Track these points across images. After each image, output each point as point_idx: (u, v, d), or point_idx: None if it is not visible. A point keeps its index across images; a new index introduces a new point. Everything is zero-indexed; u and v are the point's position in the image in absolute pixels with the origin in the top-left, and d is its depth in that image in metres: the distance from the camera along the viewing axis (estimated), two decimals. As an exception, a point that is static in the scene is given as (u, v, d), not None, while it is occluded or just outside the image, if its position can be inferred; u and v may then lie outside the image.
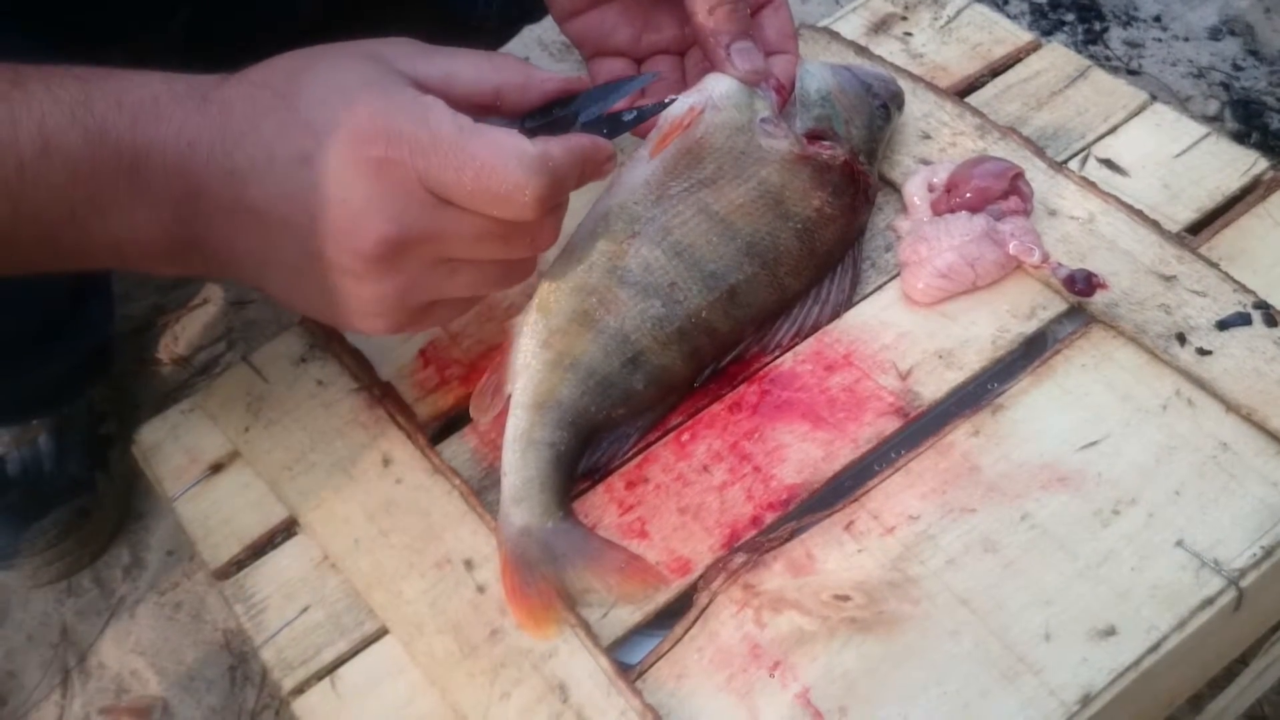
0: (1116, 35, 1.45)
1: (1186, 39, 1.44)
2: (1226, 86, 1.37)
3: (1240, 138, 1.24)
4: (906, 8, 0.93)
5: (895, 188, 0.80)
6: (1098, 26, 1.46)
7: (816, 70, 0.76)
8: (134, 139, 0.53)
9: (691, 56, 0.77)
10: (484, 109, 0.59)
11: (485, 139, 0.53)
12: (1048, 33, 1.44)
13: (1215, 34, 1.43)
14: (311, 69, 0.55)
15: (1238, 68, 1.40)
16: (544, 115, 0.61)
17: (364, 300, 0.57)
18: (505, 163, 0.53)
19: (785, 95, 0.73)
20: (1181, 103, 1.35)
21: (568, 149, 0.57)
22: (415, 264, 0.56)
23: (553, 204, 0.56)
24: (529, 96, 0.60)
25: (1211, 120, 1.31)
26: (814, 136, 0.73)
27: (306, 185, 0.53)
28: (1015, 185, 0.74)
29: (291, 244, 0.55)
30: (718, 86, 0.72)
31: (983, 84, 0.87)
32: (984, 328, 0.72)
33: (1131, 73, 1.40)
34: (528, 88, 0.60)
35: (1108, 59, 1.42)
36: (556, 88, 0.61)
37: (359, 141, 0.52)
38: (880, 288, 0.76)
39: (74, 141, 0.52)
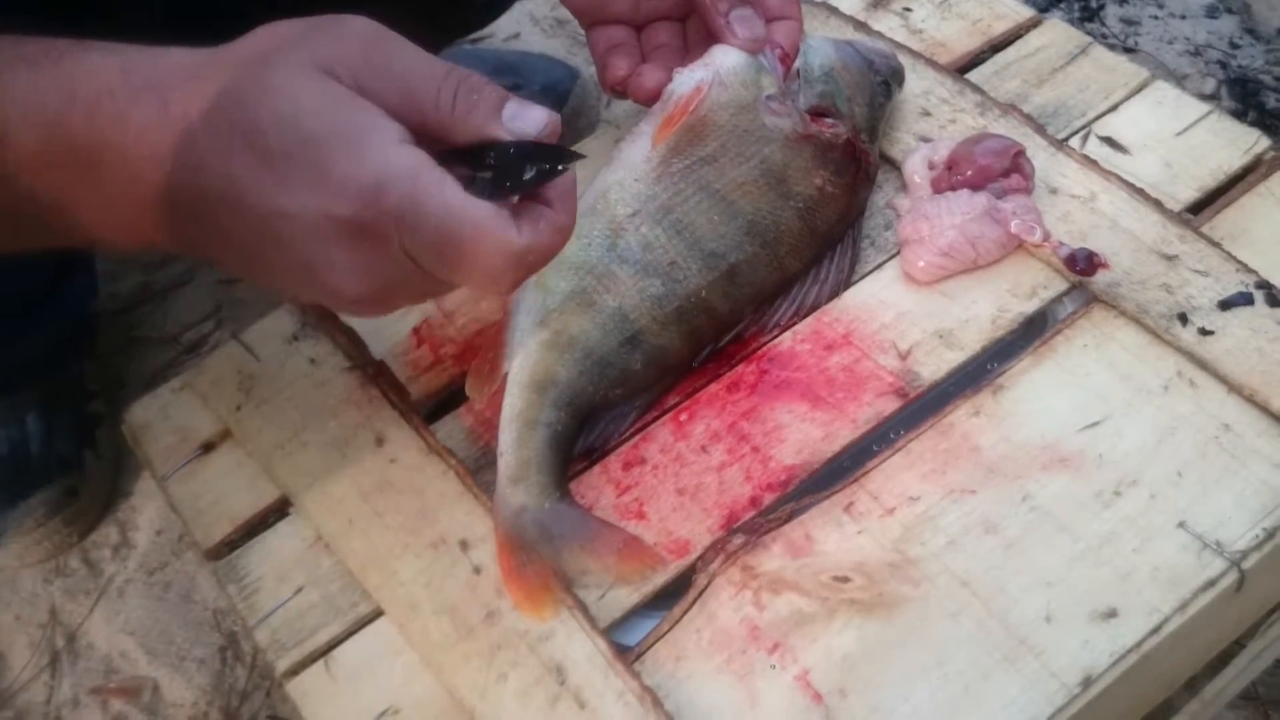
0: (1113, 12, 1.44)
1: (1183, 17, 1.43)
2: (1223, 65, 1.37)
3: (1237, 116, 1.23)
4: (906, -17, 0.92)
5: (895, 165, 0.79)
6: (1094, 3, 1.45)
7: (820, 45, 0.75)
8: (90, 138, 0.50)
9: (693, 22, 0.76)
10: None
11: (472, 226, 0.50)
12: (1044, 9, 1.43)
13: (1212, 12, 1.43)
14: (266, 99, 0.50)
15: (1234, 46, 1.39)
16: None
17: (351, 309, 0.57)
18: (490, 259, 0.51)
19: (789, 63, 0.72)
20: (1178, 81, 1.34)
21: (557, 230, 0.54)
22: (397, 296, 0.56)
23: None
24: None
25: (1208, 99, 1.30)
26: (817, 114, 0.73)
27: (285, 238, 0.51)
28: (1017, 163, 0.74)
29: (270, 265, 0.54)
30: (725, 60, 0.70)
31: (983, 60, 0.87)
32: (984, 307, 0.72)
33: (1128, 50, 1.39)
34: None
35: (1104, 36, 1.41)
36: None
37: (341, 206, 0.50)
38: (880, 266, 0.75)
39: (27, 134, 0.50)
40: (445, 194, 0.50)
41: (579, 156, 0.53)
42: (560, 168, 0.52)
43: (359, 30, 0.52)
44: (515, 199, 0.53)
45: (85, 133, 0.50)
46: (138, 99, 0.51)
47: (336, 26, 0.52)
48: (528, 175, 0.52)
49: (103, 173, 0.51)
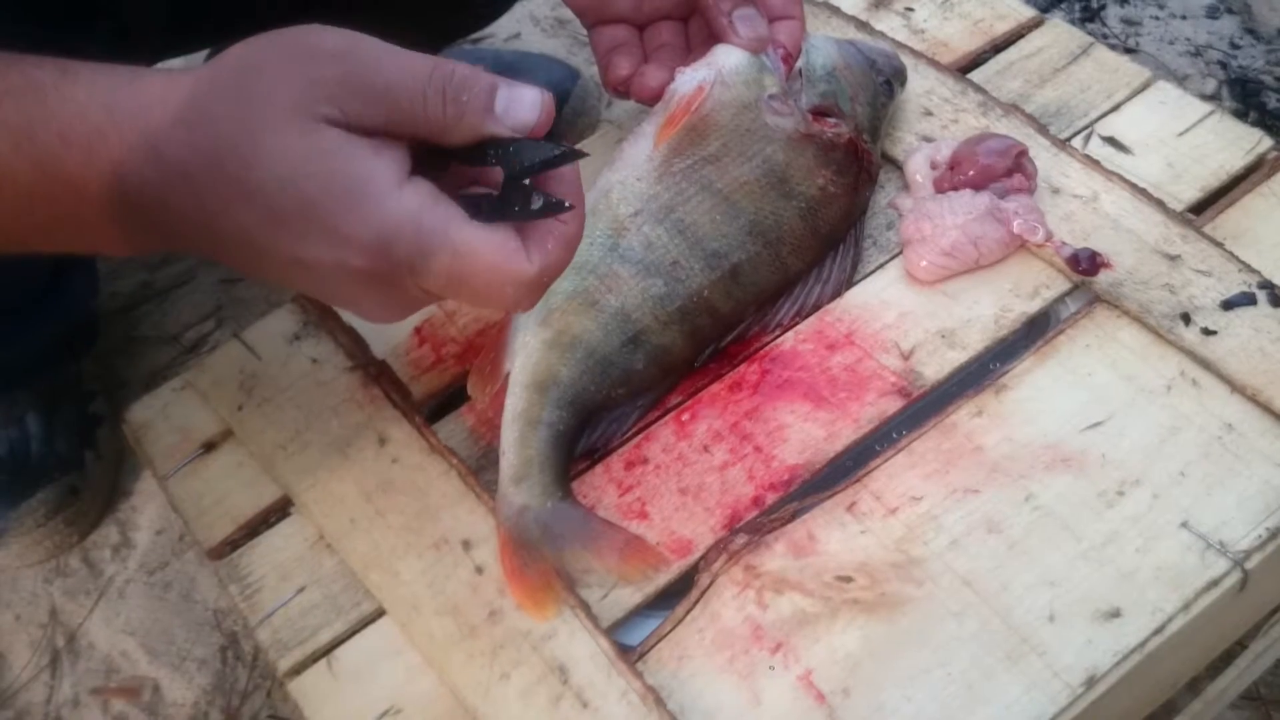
0: (1114, 13, 1.44)
1: (1184, 17, 1.43)
2: (1224, 65, 1.37)
3: (1238, 117, 1.23)
4: (907, -17, 0.92)
5: (897, 165, 0.79)
6: (1095, 4, 1.45)
7: (822, 45, 0.75)
8: (87, 179, 0.50)
9: (695, 22, 0.76)
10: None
11: (483, 264, 0.50)
12: (1045, 9, 1.43)
13: (1212, 12, 1.43)
14: (260, 162, 0.49)
15: (1235, 46, 1.39)
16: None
17: (375, 322, 0.58)
18: (504, 289, 0.52)
19: (790, 63, 0.72)
20: (1179, 81, 1.34)
21: (567, 242, 0.54)
22: (420, 310, 0.57)
23: None
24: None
25: (1209, 99, 1.30)
26: (819, 113, 0.72)
27: (306, 277, 0.52)
28: (1019, 163, 0.74)
29: (293, 286, 0.55)
30: (728, 60, 0.70)
31: (985, 60, 0.87)
32: (987, 307, 0.72)
33: (1129, 51, 1.39)
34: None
35: (1105, 37, 1.41)
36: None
37: (354, 260, 0.50)
38: (882, 266, 0.75)
39: (23, 172, 0.50)
40: (451, 233, 0.50)
41: (581, 154, 0.53)
42: (568, 204, 0.52)
43: (331, 50, 0.50)
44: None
45: (83, 173, 0.50)
46: (130, 147, 0.50)
47: (308, 55, 0.50)
48: (536, 206, 0.51)
49: (109, 208, 0.51)
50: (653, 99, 0.72)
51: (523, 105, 0.51)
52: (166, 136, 0.50)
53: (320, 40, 0.51)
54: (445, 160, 0.52)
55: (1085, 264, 0.71)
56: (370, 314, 0.55)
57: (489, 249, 0.50)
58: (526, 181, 0.51)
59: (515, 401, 0.66)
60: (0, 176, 0.50)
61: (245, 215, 0.50)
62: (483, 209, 0.51)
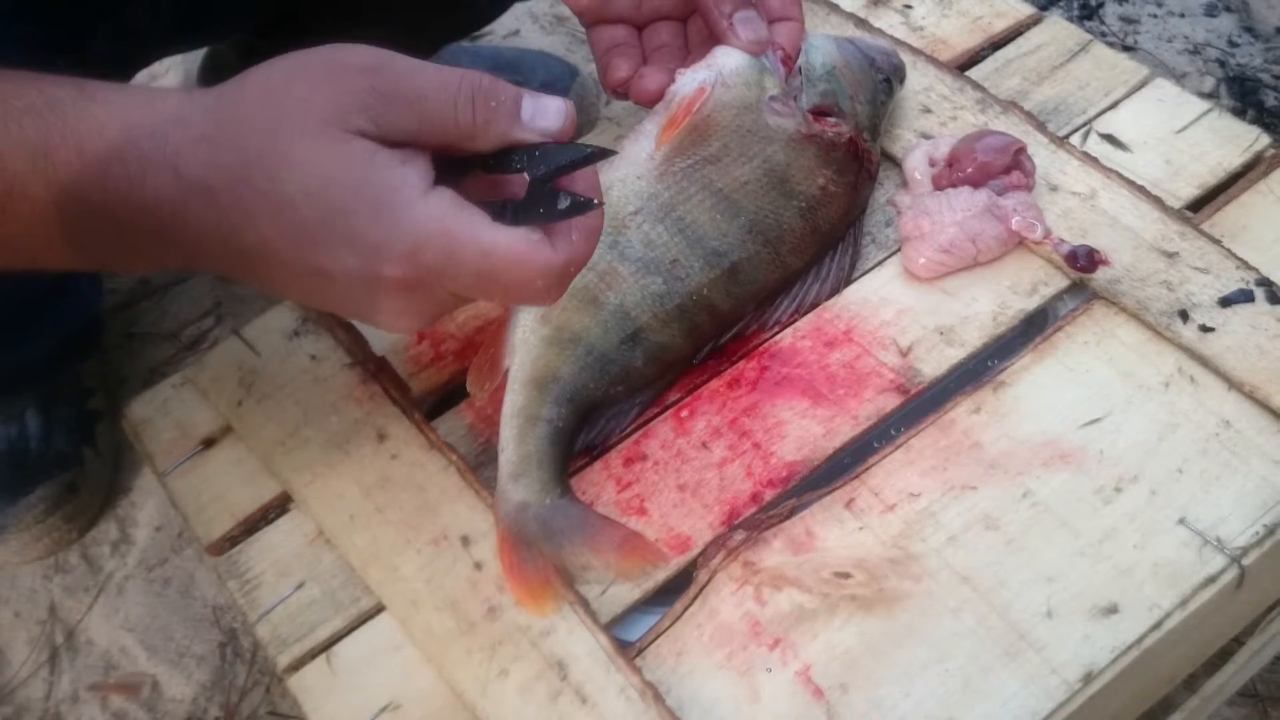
0: (1112, 10, 1.44)
1: (1182, 15, 1.43)
2: (1222, 63, 1.37)
3: (1236, 115, 1.23)
4: (906, -20, 0.92)
5: (895, 162, 0.79)
6: (1093, 1, 1.45)
7: (821, 44, 0.75)
8: (105, 198, 0.51)
9: (694, 22, 0.76)
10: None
11: (511, 261, 0.51)
12: (1043, 7, 1.43)
13: (1211, 10, 1.43)
14: (290, 174, 0.50)
15: (1233, 44, 1.39)
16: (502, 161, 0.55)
17: (396, 333, 0.59)
18: (533, 283, 0.53)
19: (790, 64, 0.72)
20: (1177, 79, 1.34)
21: (590, 234, 0.55)
22: (442, 316, 0.58)
23: None
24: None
25: (1207, 97, 1.30)
26: (819, 113, 0.72)
27: (330, 289, 0.53)
28: (1017, 160, 0.74)
29: (313, 301, 0.56)
30: (728, 61, 0.70)
31: (983, 58, 0.87)
32: (985, 304, 0.72)
33: (1127, 49, 1.39)
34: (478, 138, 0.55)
35: (1103, 35, 1.41)
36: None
37: (383, 269, 0.51)
38: (880, 263, 0.75)
39: (38, 190, 0.50)
40: (478, 236, 0.51)
41: (610, 152, 0.54)
42: (596, 201, 0.53)
43: (360, 65, 0.51)
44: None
45: (100, 194, 0.51)
46: (147, 165, 0.50)
47: (338, 70, 0.51)
48: (562, 206, 0.52)
49: (122, 227, 0.51)
50: (651, 102, 0.72)
51: (548, 113, 0.53)
52: (187, 155, 0.50)
53: (348, 57, 0.52)
54: (465, 169, 0.53)
55: (1083, 261, 0.71)
56: (391, 323, 0.55)
57: (516, 245, 0.51)
58: (551, 184, 0.53)
59: (514, 398, 0.66)
60: (16, 194, 0.50)
61: (270, 228, 0.50)
62: (507, 213, 0.52)
